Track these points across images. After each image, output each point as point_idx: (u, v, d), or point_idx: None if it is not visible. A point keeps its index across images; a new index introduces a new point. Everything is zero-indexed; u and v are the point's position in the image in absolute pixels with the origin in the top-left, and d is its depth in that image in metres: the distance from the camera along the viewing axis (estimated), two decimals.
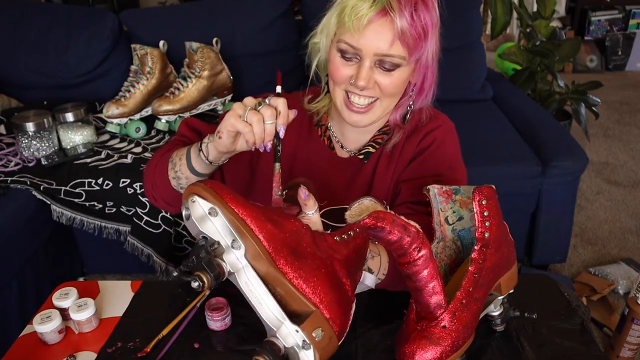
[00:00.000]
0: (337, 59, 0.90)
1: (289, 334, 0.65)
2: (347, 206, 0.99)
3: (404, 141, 1.00)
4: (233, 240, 0.65)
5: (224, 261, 0.66)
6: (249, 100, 0.81)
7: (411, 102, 0.98)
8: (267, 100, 0.80)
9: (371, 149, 1.02)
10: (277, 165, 0.80)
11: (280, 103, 0.79)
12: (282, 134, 0.79)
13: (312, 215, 0.75)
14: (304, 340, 0.64)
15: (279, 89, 0.84)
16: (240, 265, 0.66)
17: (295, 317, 0.66)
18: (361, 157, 1.02)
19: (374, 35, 0.84)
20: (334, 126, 1.05)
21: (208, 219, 0.65)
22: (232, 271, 0.66)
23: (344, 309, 0.70)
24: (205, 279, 0.63)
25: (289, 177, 1.03)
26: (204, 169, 0.90)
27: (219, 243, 0.66)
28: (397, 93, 0.93)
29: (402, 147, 1.00)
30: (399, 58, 0.86)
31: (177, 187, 0.95)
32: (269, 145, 0.80)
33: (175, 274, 0.65)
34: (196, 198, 0.65)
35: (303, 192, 0.72)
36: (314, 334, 0.65)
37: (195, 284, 0.63)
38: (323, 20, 0.92)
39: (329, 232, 0.75)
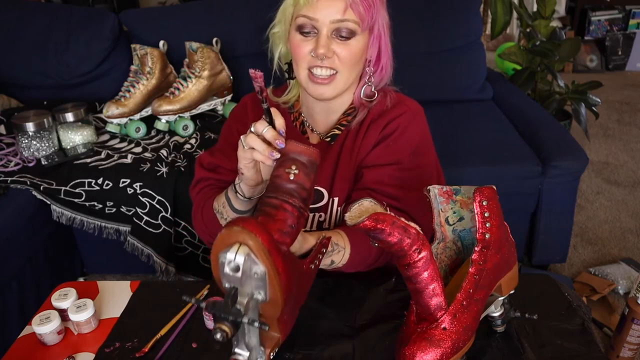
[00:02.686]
0: (296, 37, 0.96)
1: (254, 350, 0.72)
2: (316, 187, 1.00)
3: (368, 125, 1.04)
4: (260, 292, 0.67)
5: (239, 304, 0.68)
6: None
7: (371, 78, 1.03)
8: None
9: (337, 132, 1.06)
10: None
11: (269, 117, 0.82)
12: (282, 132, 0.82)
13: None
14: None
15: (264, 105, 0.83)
16: (250, 306, 0.68)
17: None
18: (328, 139, 1.07)
19: (327, 7, 0.92)
20: (305, 111, 1.10)
21: (252, 278, 0.66)
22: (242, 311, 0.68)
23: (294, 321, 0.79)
24: (227, 330, 0.65)
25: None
26: (246, 206, 0.95)
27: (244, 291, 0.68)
28: (355, 64, 0.98)
29: (366, 130, 1.04)
30: (353, 23, 0.93)
31: None
32: (278, 148, 0.81)
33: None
34: (251, 257, 0.65)
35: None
36: (271, 354, 0.75)
37: (218, 336, 0.64)
38: (279, 10, 1.00)
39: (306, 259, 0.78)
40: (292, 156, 0.77)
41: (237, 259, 0.64)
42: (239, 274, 0.65)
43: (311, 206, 1.05)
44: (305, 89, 1.01)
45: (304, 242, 0.80)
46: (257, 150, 0.80)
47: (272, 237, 0.66)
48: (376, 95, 1.05)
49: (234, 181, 0.93)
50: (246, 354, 0.71)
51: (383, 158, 1.02)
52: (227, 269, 0.65)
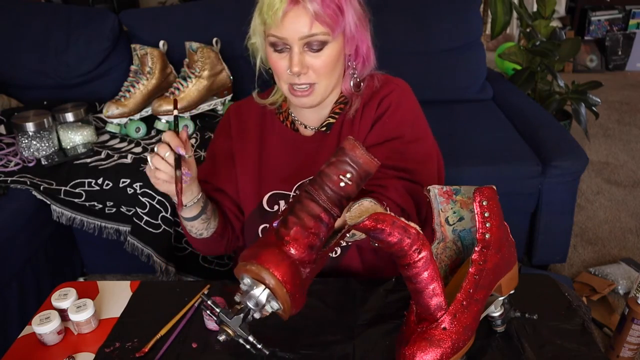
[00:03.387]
0: (272, 54, 0.98)
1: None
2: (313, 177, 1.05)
3: (362, 108, 1.06)
4: (272, 307, 0.73)
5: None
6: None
7: (355, 70, 1.05)
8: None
9: (331, 120, 1.08)
10: (177, 172, 0.86)
11: (166, 135, 0.87)
12: (181, 151, 0.87)
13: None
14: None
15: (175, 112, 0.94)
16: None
17: None
18: (324, 129, 1.08)
19: (293, 23, 0.92)
20: (294, 110, 1.12)
21: (267, 305, 0.72)
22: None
23: None
24: (232, 335, 0.73)
25: (259, 165, 1.10)
26: (190, 212, 0.99)
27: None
28: (332, 70, 0.99)
29: (361, 114, 1.06)
30: (323, 34, 0.93)
31: (199, 235, 1.07)
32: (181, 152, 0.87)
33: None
34: (274, 297, 0.71)
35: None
36: None
37: (222, 337, 0.73)
38: (252, 22, 1.01)
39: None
40: (351, 161, 0.72)
41: (260, 297, 0.70)
42: (258, 307, 0.71)
43: None
44: (289, 99, 1.03)
45: None
46: (163, 171, 0.86)
47: (299, 283, 0.70)
48: (362, 83, 1.07)
49: None
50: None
51: (384, 135, 1.04)
52: (249, 303, 0.71)
